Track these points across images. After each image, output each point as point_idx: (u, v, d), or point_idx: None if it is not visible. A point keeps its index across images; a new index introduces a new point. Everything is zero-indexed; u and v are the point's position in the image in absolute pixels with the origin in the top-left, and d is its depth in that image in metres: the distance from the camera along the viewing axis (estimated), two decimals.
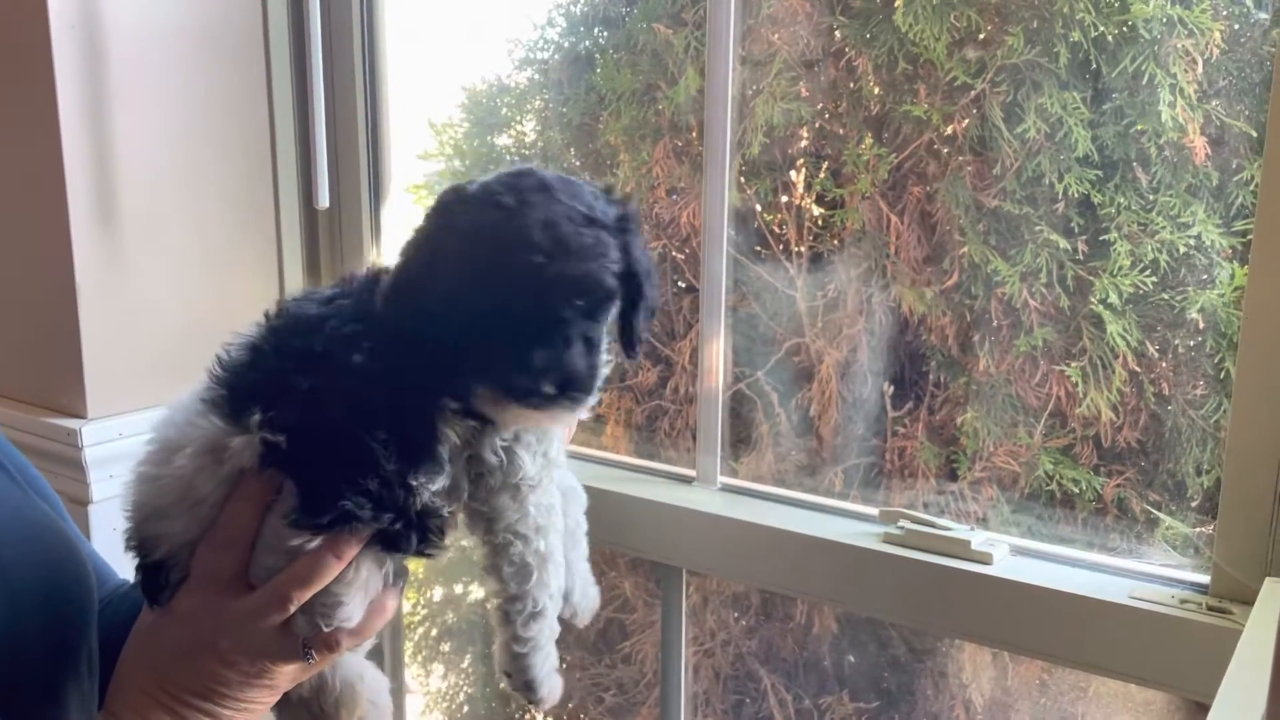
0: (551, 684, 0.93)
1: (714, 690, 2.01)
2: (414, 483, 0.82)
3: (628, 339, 0.87)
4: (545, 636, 0.91)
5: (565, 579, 0.96)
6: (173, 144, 1.58)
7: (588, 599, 1.02)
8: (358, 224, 1.72)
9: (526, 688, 0.92)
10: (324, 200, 1.66)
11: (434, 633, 2.50)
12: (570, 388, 0.80)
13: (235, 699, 0.82)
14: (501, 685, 0.94)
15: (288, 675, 0.84)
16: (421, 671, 2.48)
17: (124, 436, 1.52)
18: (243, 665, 0.81)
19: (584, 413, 0.84)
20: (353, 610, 0.84)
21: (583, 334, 0.81)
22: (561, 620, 0.96)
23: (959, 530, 1.24)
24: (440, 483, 0.84)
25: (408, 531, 0.84)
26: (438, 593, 2.48)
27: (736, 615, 1.99)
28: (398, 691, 1.95)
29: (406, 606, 2.37)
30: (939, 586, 1.22)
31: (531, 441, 0.88)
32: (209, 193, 1.63)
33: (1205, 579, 1.13)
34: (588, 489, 1.02)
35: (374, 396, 0.81)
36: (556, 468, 0.92)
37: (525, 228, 0.78)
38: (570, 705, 2.18)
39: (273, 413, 0.81)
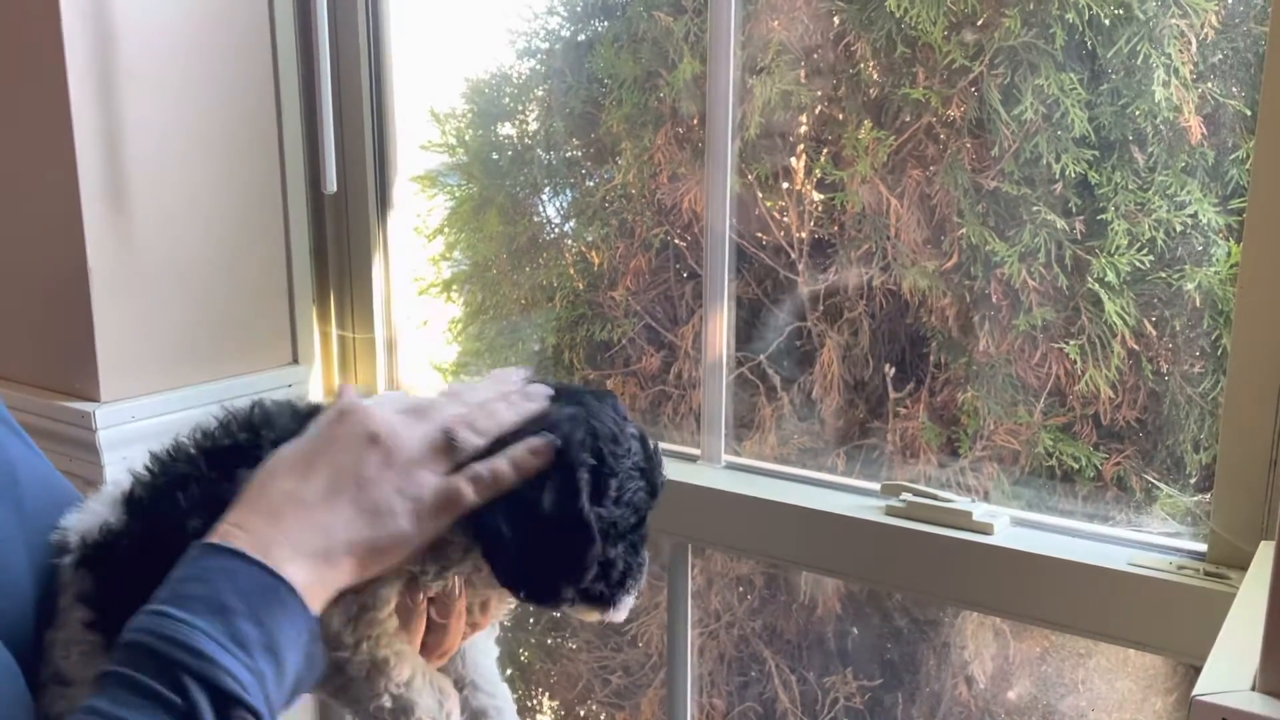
0: None
1: (719, 671, 2.03)
2: None
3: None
4: None
5: None
6: (182, 129, 1.60)
7: None
8: (364, 209, 1.74)
9: None
10: (331, 185, 1.68)
11: None
12: None
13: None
14: None
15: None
16: None
17: (137, 419, 1.54)
18: None
19: None
20: None
21: None
22: None
23: (960, 502, 1.26)
24: None
25: None
26: None
27: (741, 590, 2.01)
28: None
29: None
30: (941, 557, 1.25)
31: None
32: (218, 178, 1.65)
33: (1202, 547, 1.15)
34: None
35: None
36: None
37: None
38: (578, 688, 2.20)
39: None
